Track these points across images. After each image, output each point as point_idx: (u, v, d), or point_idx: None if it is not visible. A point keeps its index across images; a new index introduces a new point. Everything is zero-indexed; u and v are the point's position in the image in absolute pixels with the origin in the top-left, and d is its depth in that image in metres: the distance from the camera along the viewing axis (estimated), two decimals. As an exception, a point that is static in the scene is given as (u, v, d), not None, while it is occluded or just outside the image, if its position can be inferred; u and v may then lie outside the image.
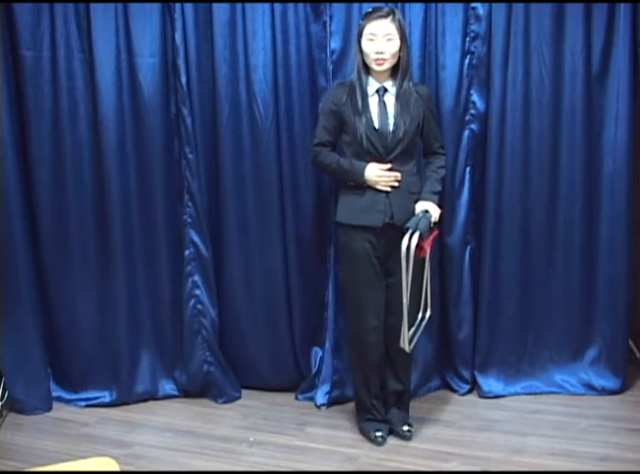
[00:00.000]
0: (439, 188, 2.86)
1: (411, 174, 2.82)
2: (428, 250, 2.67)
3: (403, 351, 2.75)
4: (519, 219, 3.21)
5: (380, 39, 2.68)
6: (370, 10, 2.75)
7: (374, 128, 2.74)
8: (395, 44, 2.70)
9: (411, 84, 2.78)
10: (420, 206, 2.78)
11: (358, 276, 2.83)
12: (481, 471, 2.70)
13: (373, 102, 2.77)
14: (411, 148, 2.82)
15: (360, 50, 2.74)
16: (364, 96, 2.75)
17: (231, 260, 3.29)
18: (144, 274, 3.27)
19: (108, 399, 3.31)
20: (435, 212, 2.77)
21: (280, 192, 3.19)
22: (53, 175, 3.16)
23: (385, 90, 2.78)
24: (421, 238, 2.63)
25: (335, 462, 2.79)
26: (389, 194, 2.76)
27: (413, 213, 2.76)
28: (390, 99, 2.78)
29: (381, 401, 2.97)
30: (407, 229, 2.65)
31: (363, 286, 2.83)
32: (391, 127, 2.74)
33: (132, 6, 3.02)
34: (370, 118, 2.74)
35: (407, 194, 2.79)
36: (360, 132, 2.72)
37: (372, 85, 2.78)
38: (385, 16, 2.69)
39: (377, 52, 2.69)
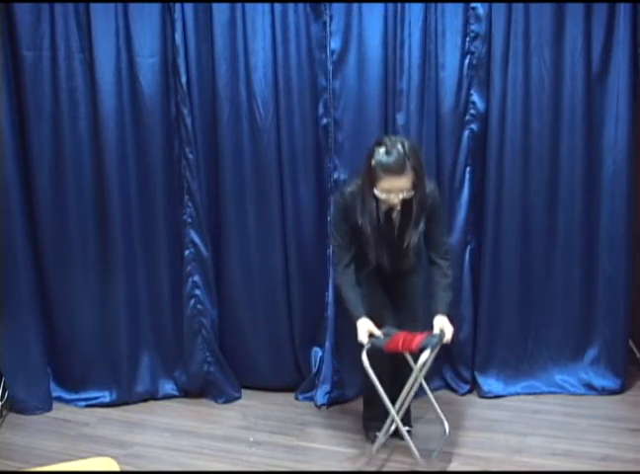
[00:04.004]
0: (451, 295, 2.74)
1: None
2: (414, 348, 2.58)
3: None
4: (519, 219, 3.21)
5: (395, 193, 2.53)
6: (385, 160, 2.48)
7: (386, 253, 2.71)
8: (410, 192, 2.54)
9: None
10: (438, 323, 2.64)
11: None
12: (481, 471, 2.70)
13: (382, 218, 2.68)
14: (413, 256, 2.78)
15: (369, 179, 2.54)
16: (377, 219, 2.64)
17: (231, 260, 3.29)
18: (144, 274, 3.27)
19: (108, 399, 3.31)
20: (449, 333, 2.63)
21: (281, 191, 3.19)
22: (53, 175, 3.16)
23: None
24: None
25: (335, 462, 2.79)
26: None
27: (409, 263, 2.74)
28: (397, 215, 2.68)
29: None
30: (423, 349, 2.54)
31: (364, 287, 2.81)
32: (397, 244, 2.70)
33: (132, 6, 3.03)
34: (382, 243, 2.69)
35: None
36: (371, 257, 2.69)
37: (381, 208, 2.66)
38: (400, 172, 2.48)
39: (392, 204, 2.59)
